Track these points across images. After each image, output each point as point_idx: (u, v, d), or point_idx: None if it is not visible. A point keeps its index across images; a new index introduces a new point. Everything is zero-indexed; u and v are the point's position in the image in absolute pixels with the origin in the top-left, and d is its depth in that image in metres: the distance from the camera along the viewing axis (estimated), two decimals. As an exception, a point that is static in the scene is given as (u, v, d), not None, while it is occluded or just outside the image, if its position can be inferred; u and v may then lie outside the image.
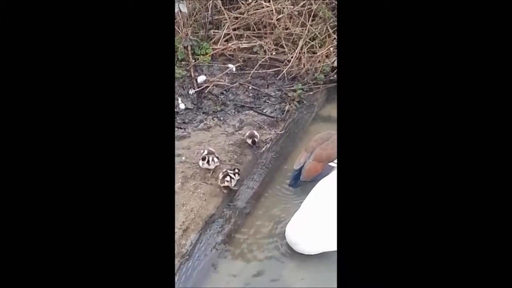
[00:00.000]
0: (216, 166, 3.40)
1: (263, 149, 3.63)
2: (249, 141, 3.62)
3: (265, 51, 4.36)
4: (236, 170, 3.31)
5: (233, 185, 3.26)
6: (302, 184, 3.27)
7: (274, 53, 4.38)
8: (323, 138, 3.36)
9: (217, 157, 3.41)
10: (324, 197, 2.87)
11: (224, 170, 3.31)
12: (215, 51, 4.38)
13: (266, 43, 4.40)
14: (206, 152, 3.43)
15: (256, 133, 3.64)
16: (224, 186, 3.28)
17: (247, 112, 3.98)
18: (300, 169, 3.28)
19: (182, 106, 3.96)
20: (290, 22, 4.47)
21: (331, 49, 4.27)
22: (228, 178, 3.25)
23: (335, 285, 1.75)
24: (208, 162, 3.37)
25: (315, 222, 2.82)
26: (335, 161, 3.23)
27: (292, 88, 4.11)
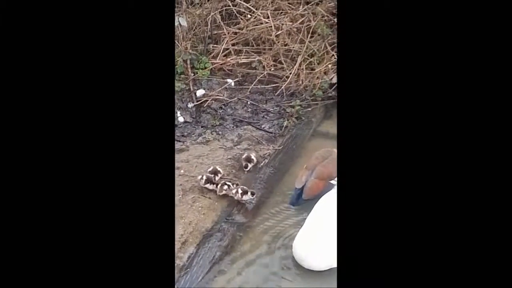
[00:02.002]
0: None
1: (262, 164, 3.62)
2: (243, 163, 3.57)
3: (263, 66, 4.38)
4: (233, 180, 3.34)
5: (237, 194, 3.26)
6: (303, 202, 3.26)
7: (272, 69, 4.39)
8: (323, 156, 3.37)
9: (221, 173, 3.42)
10: (329, 212, 2.84)
11: (222, 181, 3.33)
12: (214, 66, 4.38)
13: (265, 58, 4.41)
14: (211, 168, 3.41)
15: (253, 156, 3.59)
16: (223, 195, 3.29)
17: (245, 127, 3.98)
18: (302, 188, 3.27)
19: (181, 119, 3.96)
20: (289, 38, 4.48)
21: (330, 65, 4.29)
22: (225, 187, 3.26)
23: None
24: (213, 183, 3.35)
25: (323, 237, 2.80)
26: (336, 178, 3.23)
27: (290, 104, 4.11)
